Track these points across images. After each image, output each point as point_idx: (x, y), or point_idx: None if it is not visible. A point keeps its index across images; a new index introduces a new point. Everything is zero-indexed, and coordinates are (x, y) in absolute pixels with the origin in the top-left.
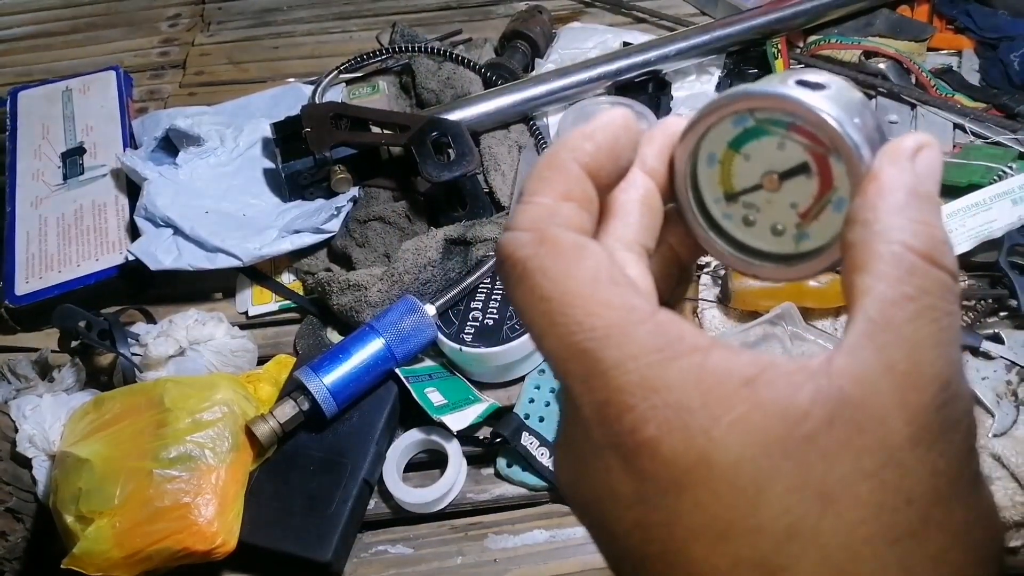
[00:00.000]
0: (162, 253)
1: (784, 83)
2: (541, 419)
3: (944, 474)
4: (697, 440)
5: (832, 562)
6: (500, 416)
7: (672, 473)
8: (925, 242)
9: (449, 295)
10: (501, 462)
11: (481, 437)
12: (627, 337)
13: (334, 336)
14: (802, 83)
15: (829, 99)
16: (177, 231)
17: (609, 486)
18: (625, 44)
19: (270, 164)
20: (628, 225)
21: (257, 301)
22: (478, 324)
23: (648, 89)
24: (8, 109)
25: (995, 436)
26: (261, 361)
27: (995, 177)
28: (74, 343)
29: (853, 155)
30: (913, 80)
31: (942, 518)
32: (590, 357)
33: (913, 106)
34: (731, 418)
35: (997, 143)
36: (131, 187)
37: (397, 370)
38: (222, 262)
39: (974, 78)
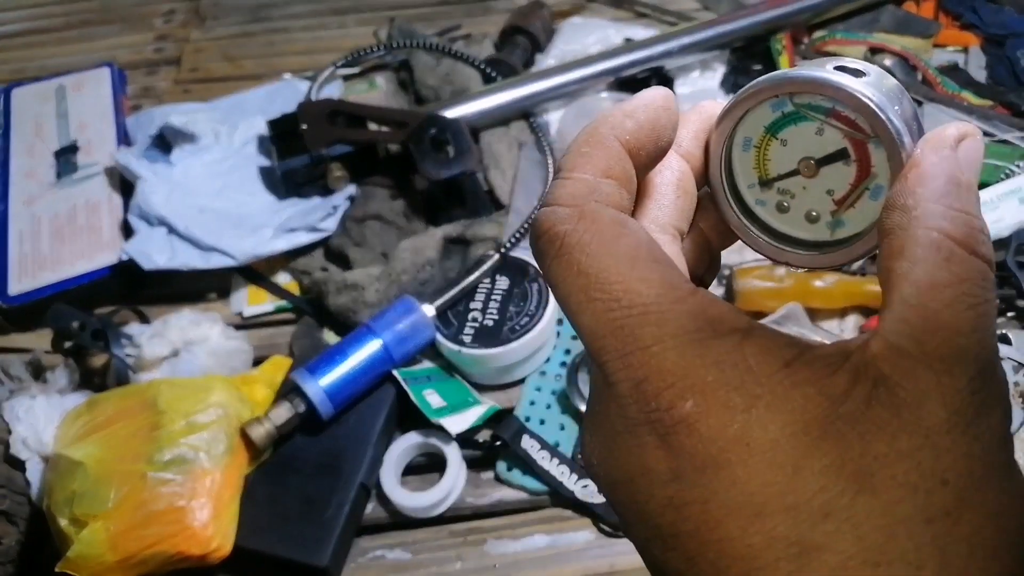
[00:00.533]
0: (156, 252)
1: (823, 68)
2: (542, 422)
3: (979, 457)
4: (736, 418)
5: (867, 541)
6: (500, 419)
7: (709, 450)
8: (964, 230)
9: (448, 295)
10: (501, 466)
11: (481, 440)
12: (666, 315)
13: (331, 337)
14: (842, 69)
15: (870, 85)
16: (171, 230)
17: (643, 463)
18: (627, 40)
19: (266, 162)
20: (663, 207)
21: (252, 301)
22: (478, 325)
23: (651, 85)
24: (1, 107)
25: None
26: (256, 363)
27: (1002, 175)
28: (67, 344)
29: (895, 141)
30: (919, 77)
31: (977, 500)
32: (628, 334)
33: (919, 103)
34: (769, 397)
35: (1004, 141)
36: (125, 185)
37: (395, 372)
38: (216, 261)
39: (980, 75)
